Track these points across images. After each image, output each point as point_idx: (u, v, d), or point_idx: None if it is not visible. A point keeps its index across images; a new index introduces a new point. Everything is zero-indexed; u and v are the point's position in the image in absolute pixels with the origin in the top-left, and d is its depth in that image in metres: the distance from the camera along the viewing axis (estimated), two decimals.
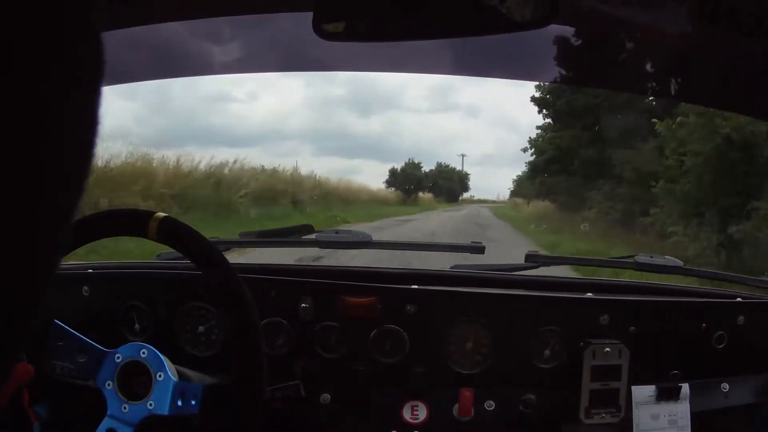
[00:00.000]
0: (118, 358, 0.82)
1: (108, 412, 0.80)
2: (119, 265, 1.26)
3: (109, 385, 0.81)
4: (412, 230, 12.14)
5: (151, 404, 0.79)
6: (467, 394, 1.05)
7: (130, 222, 0.87)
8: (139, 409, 0.79)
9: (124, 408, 0.80)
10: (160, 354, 0.82)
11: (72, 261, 1.18)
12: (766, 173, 7.52)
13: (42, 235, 0.27)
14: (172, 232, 0.85)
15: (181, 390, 0.81)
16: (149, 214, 0.84)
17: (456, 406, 1.06)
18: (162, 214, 0.84)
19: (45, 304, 0.28)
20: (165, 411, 0.79)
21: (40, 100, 0.25)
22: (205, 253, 0.85)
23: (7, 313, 0.26)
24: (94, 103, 0.28)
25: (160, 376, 0.80)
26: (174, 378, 0.81)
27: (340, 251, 2.19)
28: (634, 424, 1.08)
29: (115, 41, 0.91)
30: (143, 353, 0.82)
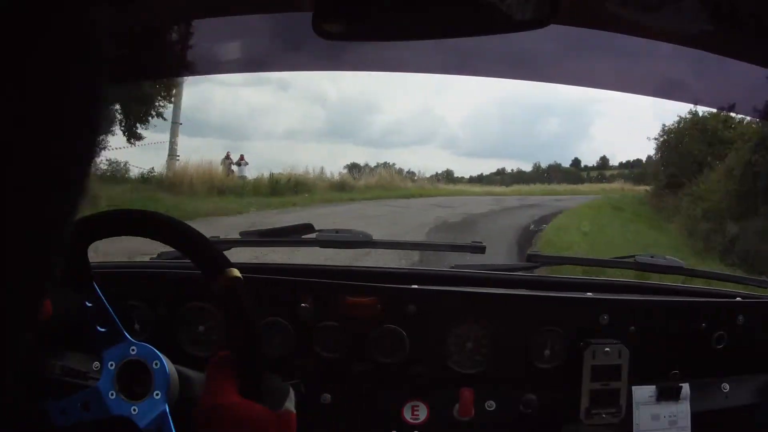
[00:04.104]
0: (111, 365, 0.82)
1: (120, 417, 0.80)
2: (119, 264, 1.26)
3: (112, 395, 0.81)
4: None
5: (157, 394, 0.80)
6: (467, 394, 1.05)
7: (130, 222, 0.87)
8: (150, 405, 0.80)
9: (134, 410, 0.80)
10: (167, 369, 0.82)
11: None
12: None
13: (43, 234, 0.27)
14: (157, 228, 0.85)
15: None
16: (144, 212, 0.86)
17: (456, 406, 1.06)
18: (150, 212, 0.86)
19: (42, 306, 0.28)
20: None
21: (43, 100, 0.25)
22: (201, 250, 0.85)
23: (9, 313, 0.26)
24: (99, 104, 0.28)
25: (156, 364, 0.81)
26: (169, 371, 0.81)
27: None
28: (634, 424, 1.08)
29: (115, 41, 0.90)
30: (133, 350, 0.82)
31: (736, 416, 1.13)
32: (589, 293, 1.17)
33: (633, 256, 1.28)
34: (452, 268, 1.32)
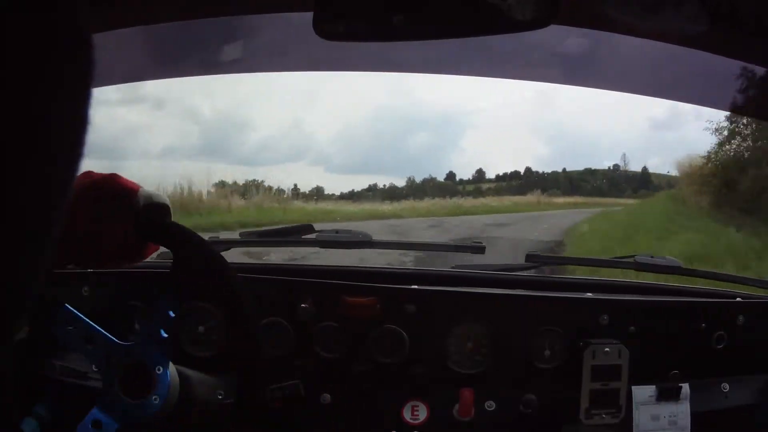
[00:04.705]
0: (159, 370, 0.82)
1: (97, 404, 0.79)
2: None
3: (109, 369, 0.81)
4: None
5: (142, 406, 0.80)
6: (467, 394, 1.05)
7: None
8: (120, 408, 0.80)
9: (113, 398, 0.80)
10: (168, 369, 0.82)
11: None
12: None
13: (27, 230, 0.27)
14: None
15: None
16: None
17: (456, 406, 1.06)
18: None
19: (30, 303, 0.28)
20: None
21: (27, 99, 0.25)
22: (197, 248, 0.85)
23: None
24: (83, 104, 0.28)
25: (156, 399, 0.80)
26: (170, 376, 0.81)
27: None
28: (634, 424, 1.08)
29: (115, 41, 0.90)
30: (159, 370, 0.81)
31: (736, 416, 1.12)
32: (589, 293, 1.17)
33: (632, 256, 1.28)
34: (452, 268, 1.32)
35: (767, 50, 0.85)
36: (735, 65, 0.92)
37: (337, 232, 1.30)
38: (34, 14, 0.25)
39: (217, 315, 1.05)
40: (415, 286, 1.10)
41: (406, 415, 1.07)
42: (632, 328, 1.09)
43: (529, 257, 1.27)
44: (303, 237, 1.30)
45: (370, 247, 1.31)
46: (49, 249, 0.28)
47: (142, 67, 1.13)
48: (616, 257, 1.37)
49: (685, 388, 1.10)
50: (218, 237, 1.30)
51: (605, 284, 1.30)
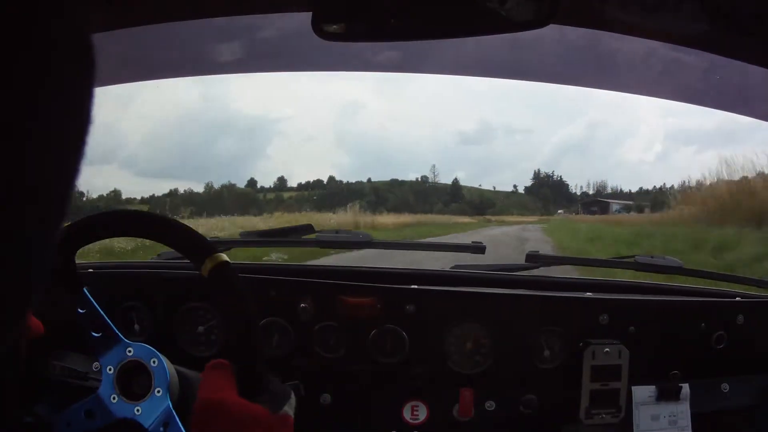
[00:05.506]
0: (110, 369, 0.81)
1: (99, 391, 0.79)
2: (119, 264, 1.26)
3: (114, 398, 0.81)
4: None
5: (159, 391, 0.79)
6: (467, 394, 1.05)
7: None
8: (152, 403, 0.79)
9: (137, 411, 0.79)
10: (166, 366, 0.81)
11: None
12: None
13: (29, 233, 0.27)
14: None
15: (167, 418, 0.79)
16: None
17: (456, 406, 1.06)
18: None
19: (35, 302, 0.28)
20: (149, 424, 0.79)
21: (27, 100, 0.25)
22: (185, 237, 0.85)
23: None
24: (86, 103, 0.28)
25: (154, 362, 0.80)
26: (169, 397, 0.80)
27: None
28: (634, 424, 1.08)
29: (115, 41, 0.91)
30: (129, 351, 0.81)
31: (736, 416, 1.13)
32: (588, 293, 1.17)
33: (633, 257, 1.28)
34: (452, 268, 1.32)
35: (767, 50, 0.85)
36: (736, 65, 0.92)
37: (337, 232, 1.30)
38: (33, 14, 0.25)
39: (217, 315, 1.05)
40: (415, 286, 1.10)
41: (406, 415, 1.07)
42: (632, 328, 1.09)
43: (529, 257, 1.27)
44: (303, 237, 1.30)
45: (370, 248, 1.31)
46: (51, 250, 0.28)
47: (142, 68, 1.13)
48: (616, 257, 1.37)
49: (685, 388, 1.10)
50: (218, 237, 1.30)
51: (605, 284, 1.30)
